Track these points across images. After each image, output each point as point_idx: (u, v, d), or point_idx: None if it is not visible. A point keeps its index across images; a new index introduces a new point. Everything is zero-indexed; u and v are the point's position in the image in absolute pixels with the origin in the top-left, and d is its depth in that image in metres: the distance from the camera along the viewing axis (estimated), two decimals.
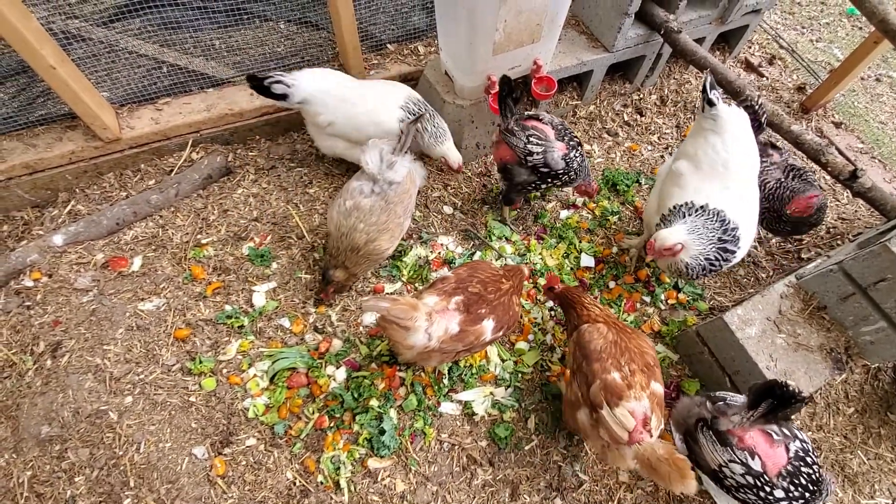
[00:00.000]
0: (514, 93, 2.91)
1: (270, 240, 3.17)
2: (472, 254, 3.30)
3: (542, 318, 3.10)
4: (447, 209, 3.48)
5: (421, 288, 2.76)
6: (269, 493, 2.45)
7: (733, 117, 2.66)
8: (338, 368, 2.77)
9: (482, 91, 3.28)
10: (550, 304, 3.14)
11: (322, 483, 2.48)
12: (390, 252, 2.84)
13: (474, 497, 2.53)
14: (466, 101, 3.34)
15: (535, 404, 2.80)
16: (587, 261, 3.33)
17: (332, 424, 2.62)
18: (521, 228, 3.49)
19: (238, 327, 2.84)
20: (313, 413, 2.64)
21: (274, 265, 3.08)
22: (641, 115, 4.22)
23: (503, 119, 2.99)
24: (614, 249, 3.43)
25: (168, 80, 3.28)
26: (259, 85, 2.85)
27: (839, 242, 3.59)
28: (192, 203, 3.23)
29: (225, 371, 2.72)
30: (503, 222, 3.46)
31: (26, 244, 2.88)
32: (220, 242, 3.11)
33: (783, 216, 3.04)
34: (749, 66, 4.77)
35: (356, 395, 2.67)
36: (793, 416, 2.27)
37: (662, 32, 3.67)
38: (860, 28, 5.56)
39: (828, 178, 3.93)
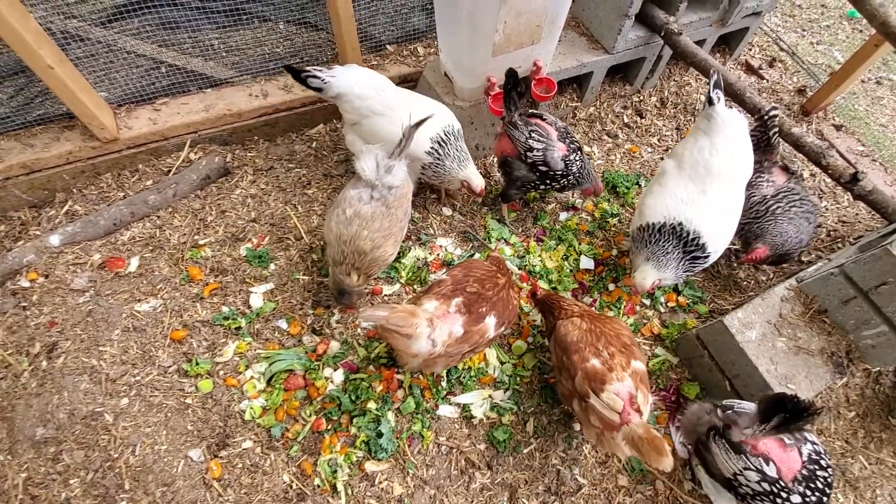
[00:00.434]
0: (520, 86, 2.93)
1: (268, 241, 3.15)
2: (472, 255, 3.29)
3: (540, 319, 3.08)
4: (446, 211, 3.47)
5: (418, 292, 2.73)
6: (265, 496, 2.43)
7: (729, 120, 2.65)
8: (335, 371, 2.76)
9: (482, 92, 3.27)
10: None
11: (319, 486, 2.46)
12: (394, 257, 2.78)
13: (472, 501, 2.51)
14: (466, 103, 3.33)
15: (534, 407, 2.78)
16: (587, 263, 3.32)
17: (329, 427, 2.60)
18: (520, 230, 3.47)
19: (235, 329, 2.82)
20: (310, 415, 2.62)
21: (272, 266, 3.06)
22: (641, 117, 4.21)
23: (507, 112, 3.01)
24: (614, 252, 3.42)
25: (166, 81, 3.27)
26: (296, 76, 2.81)
27: (840, 246, 3.57)
28: (190, 204, 3.22)
29: (222, 373, 2.70)
30: (501, 221, 3.45)
31: (23, 244, 2.86)
32: (218, 243, 3.09)
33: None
34: (749, 69, 4.77)
35: (354, 398, 2.66)
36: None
37: (663, 34, 3.67)
38: (860, 31, 5.55)
39: (829, 180, 3.93)
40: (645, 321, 3.17)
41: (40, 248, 2.84)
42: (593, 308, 3.11)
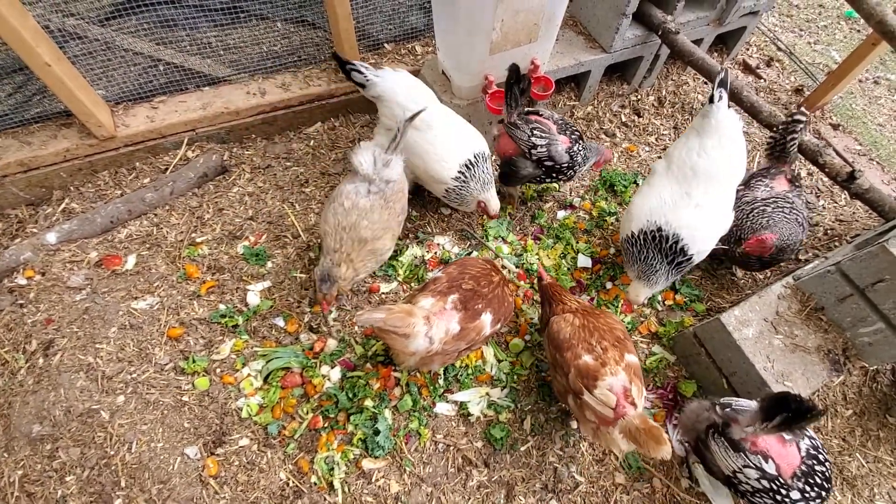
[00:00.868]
0: (522, 82, 2.92)
1: (265, 239, 3.15)
2: (469, 254, 3.29)
3: (538, 317, 3.08)
4: (444, 209, 3.47)
5: (413, 290, 2.73)
6: (261, 493, 2.42)
7: (724, 122, 2.64)
8: (332, 368, 2.75)
9: (479, 91, 3.27)
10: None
11: (316, 484, 2.46)
12: (391, 252, 2.78)
13: (469, 498, 2.51)
14: (463, 101, 3.33)
15: (531, 405, 2.78)
16: (584, 261, 3.32)
17: (326, 425, 2.60)
18: (517, 229, 3.48)
19: (232, 326, 2.82)
20: (307, 413, 2.62)
21: (269, 264, 3.06)
22: (639, 116, 4.22)
23: (507, 110, 3.02)
24: (611, 250, 3.42)
25: (164, 79, 3.27)
26: (341, 66, 2.79)
27: (836, 244, 3.57)
28: (188, 201, 3.22)
29: (218, 370, 2.70)
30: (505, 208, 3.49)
31: (20, 242, 2.86)
32: (215, 241, 3.09)
33: (732, 247, 2.98)
34: (747, 68, 4.77)
35: (351, 396, 2.65)
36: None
37: (660, 33, 3.67)
38: (858, 31, 5.57)
39: (826, 179, 3.93)
40: (642, 319, 3.17)
41: (37, 245, 2.84)
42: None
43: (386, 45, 3.79)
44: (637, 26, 3.75)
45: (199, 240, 3.08)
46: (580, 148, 3.05)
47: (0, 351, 2.57)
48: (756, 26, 4.64)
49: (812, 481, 2.11)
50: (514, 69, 2.86)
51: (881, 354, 2.60)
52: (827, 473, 2.14)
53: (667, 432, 2.74)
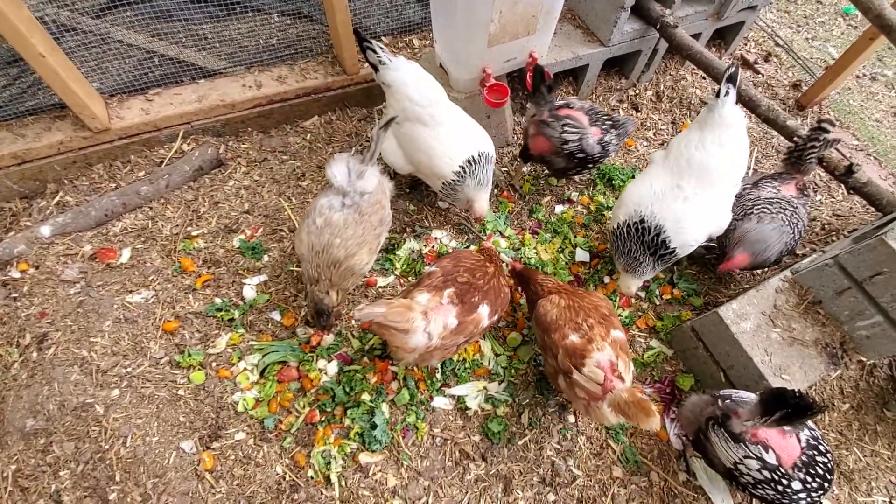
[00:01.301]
0: (547, 80, 3.02)
1: (262, 232, 3.13)
2: (466, 248, 3.27)
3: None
4: (442, 203, 3.45)
5: (408, 286, 2.69)
6: (258, 487, 2.41)
7: (728, 119, 2.61)
8: (329, 362, 2.74)
9: (477, 84, 3.25)
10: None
11: (312, 478, 2.45)
12: (370, 267, 2.68)
13: (467, 492, 2.50)
14: (461, 94, 3.31)
15: (528, 399, 2.77)
16: (582, 256, 3.31)
17: (323, 419, 2.58)
18: (515, 223, 3.46)
19: (228, 320, 2.80)
20: (304, 407, 2.60)
21: (265, 258, 3.04)
22: (637, 111, 4.20)
23: (537, 108, 3.12)
24: (609, 244, 3.40)
25: (159, 71, 3.24)
26: (360, 42, 2.72)
27: (834, 239, 3.57)
28: (183, 195, 3.19)
29: (214, 364, 2.68)
30: (512, 185, 3.56)
31: (13, 235, 2.83)
32: (211, 235, 3.07)
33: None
34: (745, 63, 4.77)
35: (348, 390, 2.64)
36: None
37: (658, 27, 3.66)
38: (855, 27, 5.57)
39: (823, 173, 3.93)
40: (640, 313, 3.16)
41: (31, 238, 2.81)
42: None
43: (383, 37, 3.77)
44: (635, 20, 3.73)
45: (194, 233, 3.05)
46: (612, 137, 3.10)
47: None
48: (754, 21, 4.63)
49: (813, 472, 2.10)
50: (538, 70, 3.00)
51: (879, 348, 2.60)
52: (828, 464, 2.14)
53: (664, 426, 2.76)
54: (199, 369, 2.65)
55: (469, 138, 2.88)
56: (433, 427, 2.65)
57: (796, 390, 2.04)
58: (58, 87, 2.76)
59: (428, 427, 2.64)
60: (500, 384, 2.80)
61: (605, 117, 3.13)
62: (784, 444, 2.14)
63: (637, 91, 4.28)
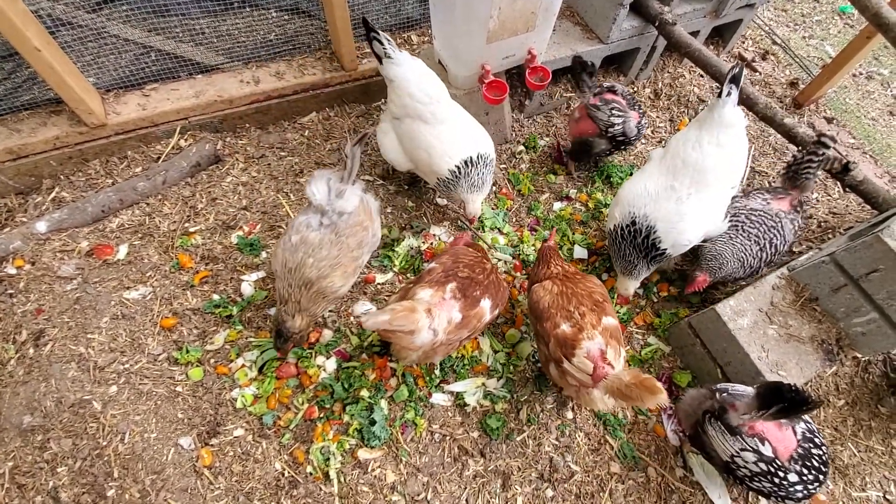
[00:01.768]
0: (588, 67, 3.28)
1: (260, 229, 3.12)
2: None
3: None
4: (440, 200, 3.45)
5: (407, 283, 2.67)
6: (256, 483, 2.41)
7: (728, 120, 2.59)
8: (328, 359, 2.74)
9: (476, 80, 3.25)
10: None
11: (311, 474, 2.45)
12: (345, 290, 2.57)
13: (465, 488, 2.51)
14: (460, 91, 3.30)
15: (527, 395, 2.78)
16: (580, 253, 3.32)
17: (321, 415, 2.58)
18: (514, 220, 3.47)
19: (226, 317, 2.79)
20: (303, 403, 2.60)
21: (263, 254, 3.03)
22: None
23: (582, 94, 3.35)
24: (607, 242, 3.41)
25: (156, 66, 3.21)
26: (367, 31, 2.67)
27: (830, 236, 3.59)
28: (180, 191, 3.18)
29: (212, 361, 2.67)
30: (568, 172, 3.75)
31: (9, 231, 2.81)
32: (209, 231, 3.06)
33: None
34: (743, 61, 4.78)
35: (346, 386, 2.64)
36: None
37: (657, 24, 3.66)
38: (851, 26, 5.59)
39: (820, 172, 3.94)
40: (638, 310, 3.17)
41: (27, 234, 2.79)
42: None
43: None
44: (634, 17, 3.73)
45: (192, 229, 3.04)
46: (646, 121, 3.37)
47: None
48: (752, 19, 4.64)
49: (809, 464, 2.12)
50: (577, 59, 3.28)
51: (874, 344, 2.62)
52: (823, 457, 2.16)
53: (661, 423, 2.77)
54: (197, 366, 2.64)
55: (470, 138, 2.87)
56: (432, 423, 2.65)
57: (793, 384, 2.06)
58: (53, 81, 2.74)
59: (427, 423, 2.64)
60: (498, 381, 2.81)
61: (638, 102, 3.35)
62: (780, 437, 2.16)
63: (635, 89, 4.29)
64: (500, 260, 3.25)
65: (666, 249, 2.69)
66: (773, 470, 2.13)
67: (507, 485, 2.53)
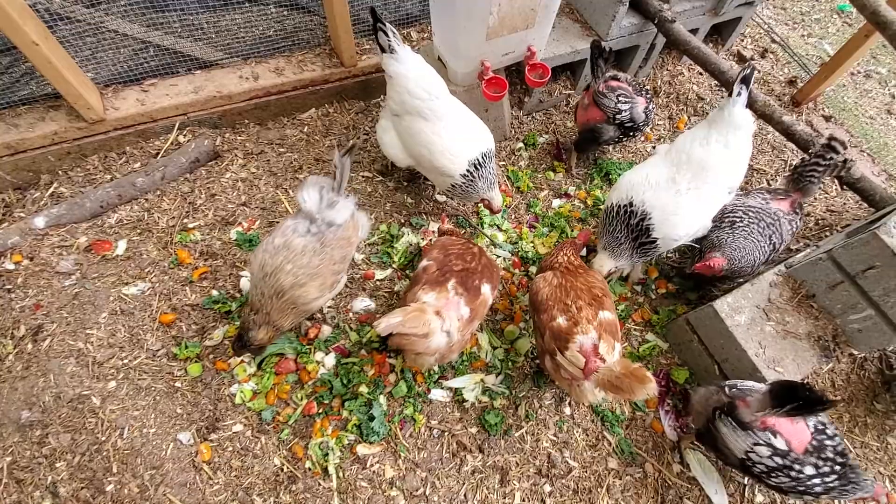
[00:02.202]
0: (604, 53, 3.23)
1: (259, 225, 3.12)
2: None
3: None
4: (439, 197, 3.45)
5: (406, 287, 2.62)
6: (255, 479, 2.41)
7: (736, 120, 2.61)
8: (327, 355, 2.74)
9: (475, 77, 3.25)
10: None
11: (310, 469, 2.46)
12: (319, 304, 2.48)
13: (464, 483, 2.52)
14: (460, 87, 3.30)
15: (525, 391, 2.79)
16: None
17: (320, 411, 2.59)
18: (513, 217, 3.47)
19: (225, 312, 2.79)
20: (302, 399, 2.61)
21: None
22: None
23: (594, 81, 3.32)
24: (600, 218, 3.41)
25: (154, 62, 3.21)
26: (374, 21, 2.64)
27: (827, 234, 3.61)
28: (179, 187, 3.17)
29: (211, 356, 2.67)
30: (568, 170, 3.74)
31: (7, 226, 2.81)
32: (208, 227, 3.06)
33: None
34: (742, 59, 4.78)
35: (345, 382, 2.64)
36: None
37: (656, 22, 3.67)
38: (850, 25, 5.60)
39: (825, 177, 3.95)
40: (636, 307, 3.18)
41: (25, 230, 2.79)
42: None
43: None
44: (634, 14, 3.74)
45: (191, 225, 3.04)
46: (653, 106, 3.42)
47: None
48: (751, 17, 4.65)
49: (825, 456, 2.11)
50: (595, 45, 3.24)
51: (870, 341, 2.64)
52: (838, 448, 2.14)
53: (659, 419, 2.78)
54: (195, 361, 2.64)
55: (472, 136, 2.86)
56: (430, 419, 2.66)
57: (807, 383, 2.04)
58: (51, 76, 2.73)
59: (425, 419, 2.65)
60: (497, 377, 2.82)
61: (645, 88, 3.36)
62: (793, 430, 2.15)
63: None
64: (498, 257, 3.26)
65: (657, 239, 2.70)
66: (788, 463, 2.11)
67: (505, 480, 2.54)
